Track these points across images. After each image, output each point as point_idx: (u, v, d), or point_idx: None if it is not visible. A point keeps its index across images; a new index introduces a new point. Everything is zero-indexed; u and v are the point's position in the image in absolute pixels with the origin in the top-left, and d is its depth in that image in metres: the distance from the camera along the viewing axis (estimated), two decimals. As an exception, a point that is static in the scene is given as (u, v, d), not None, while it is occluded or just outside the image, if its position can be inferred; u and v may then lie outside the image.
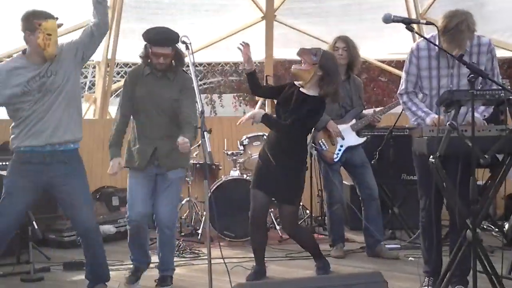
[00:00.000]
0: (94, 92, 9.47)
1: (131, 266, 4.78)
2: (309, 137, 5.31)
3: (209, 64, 10.69)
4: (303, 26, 8.83)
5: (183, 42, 4.14)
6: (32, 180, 4.12)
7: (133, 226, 4.52)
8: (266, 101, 7.87)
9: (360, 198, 5.71)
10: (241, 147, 6.58)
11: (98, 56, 8.20)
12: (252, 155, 6.36)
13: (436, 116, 4.06)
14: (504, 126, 3.79)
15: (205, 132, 3.81)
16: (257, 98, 10.29)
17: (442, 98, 3.83)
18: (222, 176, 6.49)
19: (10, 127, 4.19)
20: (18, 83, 4.05)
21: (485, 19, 7.65)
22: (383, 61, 9.78)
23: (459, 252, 3.74)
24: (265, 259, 4.97)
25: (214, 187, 6.16)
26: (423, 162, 3.92)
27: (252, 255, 4.95)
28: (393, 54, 9.26)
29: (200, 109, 3.91)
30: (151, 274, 4.79)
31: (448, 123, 3.66)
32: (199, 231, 6.35)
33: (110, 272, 4.52)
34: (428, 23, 4.06)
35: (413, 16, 8.46)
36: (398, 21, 3.82)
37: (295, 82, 4.76)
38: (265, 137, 5.85)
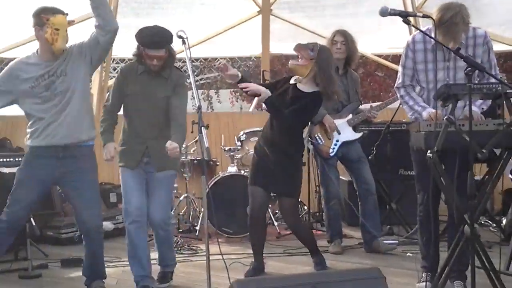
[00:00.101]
0: (90, 88, 9.44)
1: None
2: (305, 132, 5.29)
3: (205, 59, 10.64)
4: (300, 20, 8.79)
5: (180, 37, 4.09)
6: (44, 173, 4.18)
7: (131, 224, 4.33)
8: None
9: (357, 193, 5.71)
10: (239, 143, 6.57)
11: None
12: (249, 151, 6.35)
13: (433, 110, 4.05)
14: (501, 120, 3.78)
15: (202, 128, 3.80)
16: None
17: (439, 92, 3.83)
18: (220, 172, 6.49)
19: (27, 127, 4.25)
20: (28, 78, 4.12)
21: (480, 12, 7.62)
22: (379, 56, 9.74)
23: (457, 247, 3.74)
24: (263, 255, 4.97)
25: (212, 183, 6.15)
26: (421, 156, 3.92)
27: (250, 252, 4.95)
28: (391, 49, 9.21)
29: (197, 105, 3.90)
30: (153, 269, 4.74)
31: (445, 118, 3.65)
32: (197, 228, 6.35)
33: (108, 269, 4.54)
34: (425, 16, 4.05)
35: (410, 10, 8.43)
36: (395, 14, 3.81)
37: (292, 78, 4.75)
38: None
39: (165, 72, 4.40)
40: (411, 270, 4.54)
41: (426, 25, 4.17)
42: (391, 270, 4.83)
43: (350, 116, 5.63)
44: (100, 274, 4.44)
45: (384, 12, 3.80)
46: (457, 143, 3.63)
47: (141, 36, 4.29)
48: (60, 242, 5.97)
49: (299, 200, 6.28)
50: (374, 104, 5.89)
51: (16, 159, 5.67)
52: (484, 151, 3.55)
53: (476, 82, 4.04)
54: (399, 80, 4.36)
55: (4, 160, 5.62)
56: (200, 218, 6.38)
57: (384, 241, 5.63)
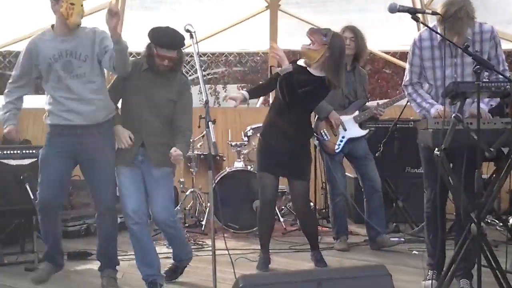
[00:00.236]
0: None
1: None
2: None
3: (213, 54, 10.65)
4: (308, 16, 8.78)
5: (187, 31, 4.08)
6: (64, 150, 4.27)
7: (133, 225, 4.29)
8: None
9: (362, 190, 5.70)
10: (245, 138, 6.57)
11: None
12: (256, 146, 6.34)
13: (441, 107, 4.03)
14: (510, 119, 3.74)
15: (209, 123, 3.79)
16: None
17: (447, 89, 3.81)
18: (226, 167, 6.49)
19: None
20: (46, 54, 4.18)
21: (489, 10, 7.59)
22: (387, 52, 9.72)
23: (463, 246, 3.73)
24: (269, 250, 4.98)
25: (218, 178, 6.15)
26: (429, 154, 3.91)
27: (256, 247, 4.96)
28: (401, 46, 9.18)
29: (204, 99, 3.89)
30: (167, 261, 4.76)
31: (453, 115, 3.64)
32: (203, 222, 6.36)
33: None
34: (434, 13, 4.03)
35: (418, 7, 8.40)
36: (403, 11, 3.79)
37: (299, 61, 4.71)
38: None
39: (171, 75, 4.36)
40: (417, 268, 4.53)
41: (434, 22, 4.15)
42: (397, 267, 4.82)
43: (357, 112, 5.62)
44: (113, 262, 4.49)
45: (393, 9, 3.78)
46: (465, 141, 3.62)
47: (155, 36, 4.24)
48: (66, 235, 5.96)
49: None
50: (381, 102, 5.87)
51: (23, 151, 5.69)
52: (492, 149, 3.54)
53: (485, 78, 4.02)
54: (406, 77, 4.34)
55: (11, 152, 5.62)
56: (206, 213, 6.39)
57: (390, 238, 5.62)
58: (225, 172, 6.25)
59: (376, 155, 5.91)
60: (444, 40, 3.99)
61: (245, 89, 4.90)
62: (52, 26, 4.26)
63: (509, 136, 3.68)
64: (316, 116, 5.60)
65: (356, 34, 5.51)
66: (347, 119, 5.57)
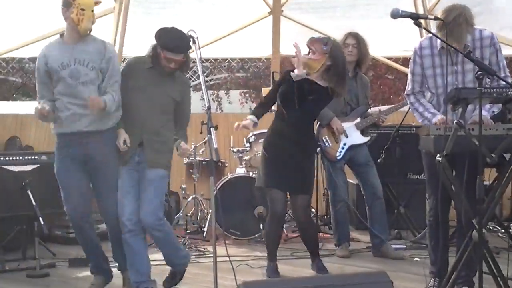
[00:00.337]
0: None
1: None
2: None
3: (215, 60, 10.65)
4: (310, 22, 8.78)
5: (190, 37, 4.09)
6: (76, 160, 4.29)
7: (126, 233, 4.27)
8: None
9: (364, 197, 5.69)
10: (247, 144, 6.56)
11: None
12: (258, 153, 6.32)
13: (443, 117, 4.03)
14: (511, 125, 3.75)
15: (211, 129, 3.78)
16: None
17: (449, 95, 3.81)
18: (228, 174, 6.48)
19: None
20: (54, 62, 4.20)
21: (493, 16, 7.58)
22: (390, 58, 9.71)
23: (465, 253, 3.71)
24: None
25: (220, 185, 6.14)
26: (431, 160, 3.90)
27: (258, 254, 4.96)
28: (403, 51, 9.18)
29: (206, 105, 3.89)
30: (166, 268, 4.70)
31: (455, 122, 3.63)
32: (205, 229, 6.35)
33: (114, 268, 4.57)
34: (436, 18, 4.02)
35: (421, 12, 8.40)
36: (406, 17, 3.80)
37: (294, 72, 4.66)
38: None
39: (175, 74, 4.37)
40: (418, 275, 4.51)
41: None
42: (399, 274, 4.81)
43: (358, 119, 5.61)
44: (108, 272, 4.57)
45: (396, 14, 3.78)
46: (466, 147, 3.61)
47: (163, 39, 4.23)
48: (68, 242, 5.97)
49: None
50: (383, 108, 5.86)
51: (25, 157, 5.70)
52: (493, 155, 3.53)
53: (487, 85, 4.00)
54: (408, 87, 4.34)
55: (14, 158, 5.63)
56: (208, 220, 6.38)
57: (392, 245, 5.61)
58: (227, 179, 6.24)
59: (378, 161, 5.90)
60: (445, 48, 3.98)
61: (249, 115, 4.88)
62: (61, 35, 4.30)
63: (511, 142, 3.67)
64: (318, 123, 5.59)
65: (358, 40, 5.50)
66: (349, 126, 5.55)
